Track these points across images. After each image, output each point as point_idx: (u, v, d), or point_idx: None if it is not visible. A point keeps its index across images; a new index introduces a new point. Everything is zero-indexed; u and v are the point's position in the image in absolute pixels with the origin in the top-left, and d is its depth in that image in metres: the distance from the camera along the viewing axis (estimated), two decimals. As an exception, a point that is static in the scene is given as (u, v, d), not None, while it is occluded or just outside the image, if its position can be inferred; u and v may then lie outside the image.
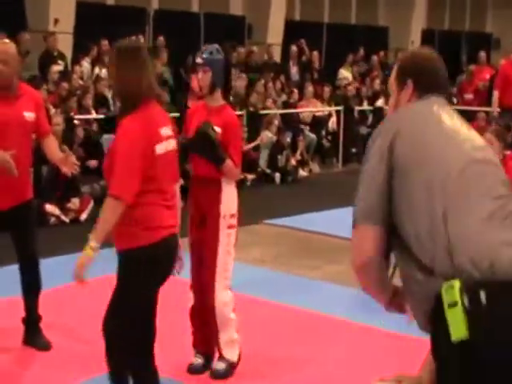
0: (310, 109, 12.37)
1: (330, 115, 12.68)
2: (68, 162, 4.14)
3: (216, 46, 3.95)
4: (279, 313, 5.07)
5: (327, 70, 14.26)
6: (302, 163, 11.53)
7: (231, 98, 11.49)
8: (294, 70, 13.62)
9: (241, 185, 9.95)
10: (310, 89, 12.45)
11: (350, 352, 4.47)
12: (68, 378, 3.93)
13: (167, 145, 3.02)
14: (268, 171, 10.65)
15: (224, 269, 3.85)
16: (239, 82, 11.90)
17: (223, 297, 3.86)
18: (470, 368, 1.82)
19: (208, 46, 3.94)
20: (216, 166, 3.77)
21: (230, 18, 15.06)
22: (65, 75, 9.98)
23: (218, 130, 3.76)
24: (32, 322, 4.30)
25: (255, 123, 10.97)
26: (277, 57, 14.17)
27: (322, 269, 6.28)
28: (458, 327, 1.79)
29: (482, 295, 1.80)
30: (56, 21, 11.17)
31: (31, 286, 4.26)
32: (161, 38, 12.05)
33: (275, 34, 14.70)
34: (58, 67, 10.00)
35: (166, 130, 3.06)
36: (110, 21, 12.23)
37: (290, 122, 11.85)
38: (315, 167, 11.92)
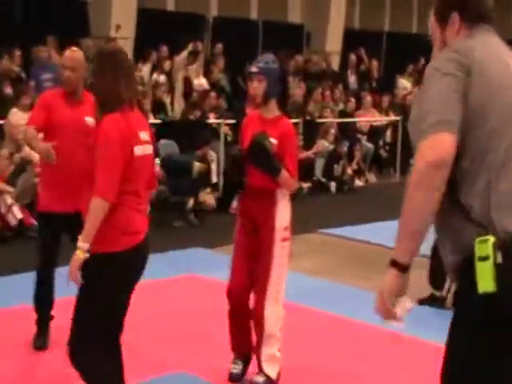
0: (368, 118, 12.22)
1: (387, 125, 12.50)
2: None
3: (272, 55, 3.90)
4: (330, 323, 4.98)
5: (386, 79, 14.08)
6: (359, 173, 11.38)
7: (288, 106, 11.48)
8: (352, 79, 13.50)
9: (296, 193, 9.95)
10: (368, 98, 12.31)
11: (400, 366, 4.34)
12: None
13: (145, 149, 3.02)
14: (323, 180, 10.55)
15: (277, 282, 3.80)
16: (297, 90, 11.85)
17: (273, 312, 3.80)
18: (492, 321, 1.84)
19: (264, 56, 3.90)
20: (272, 177, 3.71)
21: (289, 25, 15.04)
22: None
23: (273, 141, 3.71)
24: None
25: (312, 132, 10.89)
26: (335, 65, 14.08)
27: (376, 280, 6.13)
28: (486, 281, 1.81)
29: None
30: (117, 27, 11.35)
31: None
32: (219, 45, 12.11)
33: (334, 42, 14.60)
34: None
35: (144, 135, 3.05)
36: (169, 27, 12.36)
37: (347, 131, 11.72)
38: (372, 177, 11.76)
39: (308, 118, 11.09)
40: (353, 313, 5.15)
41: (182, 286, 5.69)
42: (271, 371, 3.87)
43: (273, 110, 3.83)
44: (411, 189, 1.89)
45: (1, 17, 10.52)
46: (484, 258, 1.83)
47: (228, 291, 3.89)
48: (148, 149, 3.07)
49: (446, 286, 5.44)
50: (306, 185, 10.16)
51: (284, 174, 3.71)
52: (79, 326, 3.01)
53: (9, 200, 7.05)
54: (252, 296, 3.87)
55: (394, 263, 1.96)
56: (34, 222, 7.13)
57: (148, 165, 3.09)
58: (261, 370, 3.87)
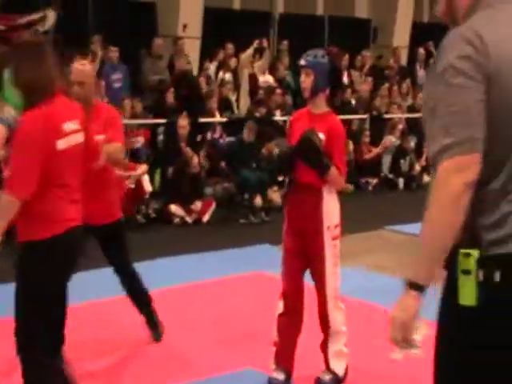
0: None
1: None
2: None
3: (322, 50, 3.84)
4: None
5: (456, 73, 13.74)
6: (428, 169, 11.15)
7: (353, 102, 11.37)
8: (420, 73, 13.23)
9: (362, 190, 9.83)
10: (437, 93, 12.02)
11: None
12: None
13: (70, 140, 3.00)
14: (391, 176, 10.39)
15: (334, 280, 3.76)
16: (363, 85, 11.72)
17: (336, 309, 3.77)
18: (470, 332, 1.85)
19: (314, 50, 3.84)
20: (320, 174, 3.67)
21: (355, 20, 14.87)
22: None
23: (322, 137, 3.67)
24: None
25: (379, 127, 10.75)
26: (403, 60, 13.84)
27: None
28: (467, 295, 1.82)
29: (497, 274, 1.81)
30: (184, 26, 11.47)
31: None
32: (284, 42, 12.08)
33: (401, 36, 14.36)
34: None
35: (71, 125, 3.03)
36: (235, 25, 12.42)
37: (416, 127, 11.49)
38: (441, 173, 11.50)
39: (375, 113, 10.94)
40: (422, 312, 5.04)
41: (250, 283, 5.71)
42: (338, 368, 3.83)
43: (321, 106, 3.77)
44: (440, 213, 1.82)
45: (75, 23, 10.82)
46: (467, 273, 1.83)
47: (283, 294, 3.82)
48: (75, 138, 3.05)
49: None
50: (373, 181, 10.04)
51: (333, 170, 3.66)
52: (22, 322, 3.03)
53: None
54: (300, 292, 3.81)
55: (416, 286, 1.87)
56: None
57: (75, 154, 3.07)
58: (328, 368, 3.84)
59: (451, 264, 1.87)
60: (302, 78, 3.73)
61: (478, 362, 1.86)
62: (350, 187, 9.75)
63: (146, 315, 4.37)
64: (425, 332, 1.89)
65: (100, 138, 3.69)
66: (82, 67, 4.01)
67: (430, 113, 1.87)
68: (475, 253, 1.83)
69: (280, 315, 3.84)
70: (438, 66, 1.87)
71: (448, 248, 1.84)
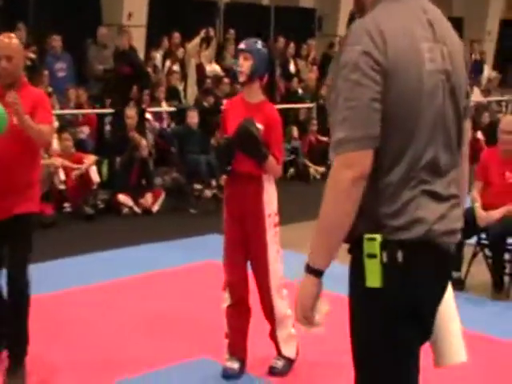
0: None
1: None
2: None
3: (260, 40, 3.85)
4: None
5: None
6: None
7: (300, 91, 11.44)
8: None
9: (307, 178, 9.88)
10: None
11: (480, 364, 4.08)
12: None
13: None
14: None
15: (276, 269, 3.78)
16: (310, 74, 11.81)
17: (279, 296, 3.79)
18: (378, 312, 1.96)
19: (253, 38, 3.85)
20: (258, 163, 3.67)
21: (300, 10, 14.96)
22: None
23: (260, 126, 3.68)
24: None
25: (326, 116, 10.84)
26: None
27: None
28: (373, 277, 1.92)
29: (400, 254, 1.92)
30: (130, 14, 11.34)
31: None
32: (231, 31, 12.06)
33: (345, 26, 14.51)
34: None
35: None
36: (181, 14, 12.33)
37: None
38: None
39: (322, 102, 11.04)
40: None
41: (201, 272, 5.71)
42: (290, 351, 3.88)
43: (257, 94, 3.76)
44: (333, 204, 1.90)
45: (14, 3, 10.56)
46: (372, 256, 1.93)
47: (228, 285, 3.80)
48: None
49: (464, 268, 5.43)
50: (321, 169, 10.14)
51: (271, 159, 3.67)
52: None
53: None
54: (244, 281, 3.81)
55: (313, 270, 1.96)
56: (51, 211, 7.18)
57: None
58: (279, 354, 3.88)
59: (357, 249, 1.96)
60: (240, 61, 3.71)
61: (386, 336, 1.97)
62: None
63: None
64: (325, 311, 2.00)
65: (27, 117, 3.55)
66: (9, 40, 3.68)
67: (333, 104, 1.94)
68: (379, 237, 1.92)
69: (228, 307, 3.84)
70: (341, 58, 1.92)
71: (342, 235, 1.93)
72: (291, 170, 10.00)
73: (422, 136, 1.95)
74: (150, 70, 10.11)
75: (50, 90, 8.56)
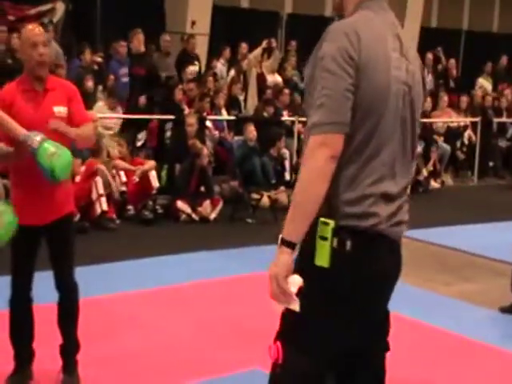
0: (445, 119, 11.90)
1: (466, 126, 12.14)
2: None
3: None
4: (404, 327, 4.83)
5: (464, 79, 13.69)
6: (435, 174, 11.10)
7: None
8: (428, 79, 13.17)
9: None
10: (444, 98, 11.98)
11: (473, 374, 4.18)
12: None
13: None
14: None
15: None
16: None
17: None
18: (320, 290, 2.11)
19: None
20: None
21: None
22: (199, 76, 10.16)
23: None
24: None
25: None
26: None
27: (455, 286, 5.95)
28: (322, 257, 2.08)
29: (349, 243, 2.08)
30: (193, 23, 11.42)
31: None
32: (293, 42, 12.03)
33: (409, 41, 14.30)
34: (193, 68, 10.18)
35: None
36: (244, 24, 12.36)
37: (423, 132, 11.43)
38: (448, 179, 11.45)
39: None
40: (427, 317, 5.00)
41: (257, 283, 5.64)
42: None
43: None
44: (309, 179, 2.07)
45: (83, 14, 10.76)
46: (324, 239, 2.08)
47: None
48: None
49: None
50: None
51: None
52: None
53: (101, 189, 7.13)
54: None
55: (288, 243, 2.08)
56: (114, 216, 7.25)
57: None
58: None
59: (311, 230, 2.10)
60: None
61: (326, 310, 2.13)
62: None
63: None
64: (298, 282, 2.08)
65: (60, 109, 3.48)
66: (38, 28, 3.58)
67: (309, 92, 2.15)
68: (332, 223, 2.09)
69: None
70: (320, 51, 2.13)
71: (315, 210, 2.08)
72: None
73: (382, 134, 2.13)
74: (210, 78, 10.13)
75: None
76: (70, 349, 3.68)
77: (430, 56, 13.18)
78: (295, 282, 2.07)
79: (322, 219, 2.09)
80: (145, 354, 4.15)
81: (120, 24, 10.84)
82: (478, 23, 16.20)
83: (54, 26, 10.24)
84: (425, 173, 10.65)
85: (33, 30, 3.54)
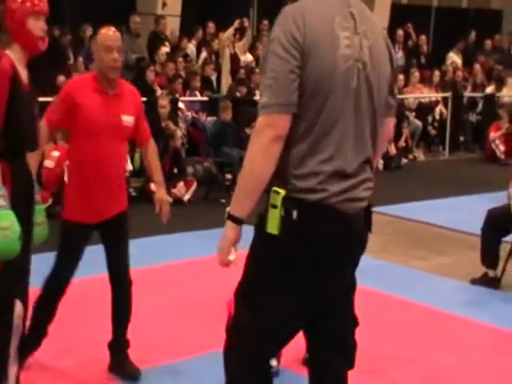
0: (417, 95, 11.98)
1: (437, 102, 12.24)
2: (164, 206, 3.79)
3: None
4: (382, 302, 4.92)
5: (435, 55, 13.78)
6: (406, 150, 11.20)
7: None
8: (399, 55, 13.23)
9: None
10: (415, 74, 12.06)
11: (454, 347, 4.27)
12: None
13: None
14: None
15: None
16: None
17: None
18: (269, 254, 2.26)
19: None
20: None
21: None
22: (172, 57, 10.10)
23: None
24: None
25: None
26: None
27: (428, 260, 6.06)
28: (272, 225, 2.21)
29: (295, 212, 2.19)
30: (164, 4, 11.33)
31: None
32: (265, 22, 12.00)
33: (381, 17, 14.31)
34: (165, 49, 10.12)
35: None
36: (216, 3, 12.28)
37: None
38: (420, 155, 11.57)
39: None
40: (402, 292, 5.09)
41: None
42: None
43: None
44: (253, 157, 2.18)
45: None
46: (274, 207, 2.21)
47: None
48: None
49: (500, 265, 5.34)
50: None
51: None
52: None
53: None
54: None
55: (234, 218, 2.24)
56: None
57: None
58: None
59: (266, 199, 2.24)
60: None
61: (275, 273, 2.26)
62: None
63: None
64: (236, 252, 2.29)
65: (128, 118, 3.51)
66: (116, 32, 3.48)
67: (263, 73, 2.23)
68: (283, 192, 2.20)
69: None
70: (271, 34, 2.23)
71: (261, 189, 2.20)
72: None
73: (331, 114, 2.20)
74: (180, 59, 10.08)
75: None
76: (122, 345, 3.72)
77: (400, 32, 13.24)
78: (234, 252, 2.30)
79: (274, 188, 2.21)
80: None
81: (89, 4, 10.73)
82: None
83: None
84: (393, 149, 10.72)
85: (108, 33, 3.47)
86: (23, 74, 3.03)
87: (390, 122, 2.49)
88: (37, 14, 2.99)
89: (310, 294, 2.29)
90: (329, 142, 2.21)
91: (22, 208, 3.03)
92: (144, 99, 8.63)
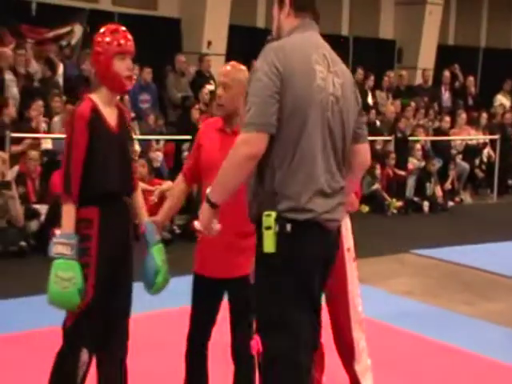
0: (463, 136, 11.81)
1: (484, 144, 12.03)
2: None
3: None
4: (425, 347, 4.75)
5: (482, 96, 13.60)
6: (453, 193, 10.99)
7: (378, 123, 11.25)
8: (445, 96, 13.12)
9: (385, 212, 9.67)
10: (462, 116, 11.91)
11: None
12: None
13: None
14: (416, 199, 10.23)
15: (356, 303, 3.63)
16: (389, 106, 11.60)
17: (359, 330, 3.63)
18: (271, 271, 2.53)
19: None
20: None
21: (380, 41, 14.82)
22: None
23: None
24: None
25: (404, 150, 10.61)
26: (429, 82, 13.74)
27: (475, 305, 5.85)
28: (269, 244, 2.48)
29: (288, 226, 2.48)
30: (209, 43, 11.47)
31: None
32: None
33: (427, 58, 14.26)
34: (209, 87, 10.21)
35: None
36: (260, 43, 12.36)
37: (442, 150, 11.35)
38: (467, 197, 11.34)
39: (399, 135, 10.82)
40: (446, 337, 4.91)
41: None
42: (370, 382, 3.70)
43: None
44: (226, 171, 2.49)
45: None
46: (268, 228, 2.48)
47: None
48: None
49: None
50: (397, 203, 9.90)
51: (352, 195, 3.50)
52: None
53: None
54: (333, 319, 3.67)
55: (212, 203, 2.56)
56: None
57: None
58: None
59: (259, 224, 2.53)
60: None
61: (279, 285, 2.53)
62: (366, 208, 9.64)
63: None
64: (216, 227, 2.63)
65: None
66: (231, 68, 3.25)
67: (245, 98, 2.52)
68: (274, 213, 2.48)
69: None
70: (255, 65, 2.53)
71: (233, 189, 2.53)
72: (367, 204, 9.78)
73: (311, 138, 2.49)
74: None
75: (132, 115, 8.69)
76: None
77: (447, 73, 13.13)
78: (215, 226, 2.63)
79: (266, 212, 2.49)
80: (165, 375, 4.10)
81: (137, 45, 10.90)
82: (495, 40, 16.13)
83: (72, 48, 10.35)
84: (440, 192, 10.50)
85: (220, 70, 3.40)
86: (111, 116, 3.03)
87: (363, 149, 2.77)
88: (122, 54, 3.02)
89: (313, 291, 2.60)
90: (311, 163, 2.49)
91: (114, 250, 2.99)
92: (189, 137, 8.76)
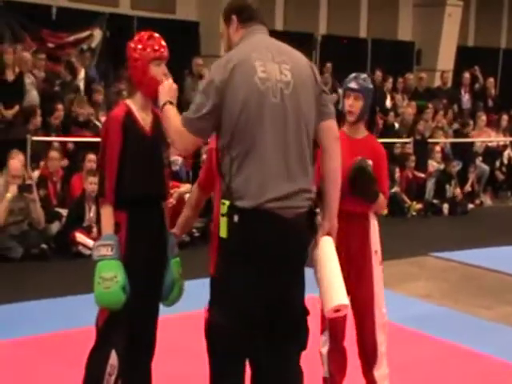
0: (483, 139, 11.73)
1: (505, 146, 11.94)
2: None
3: (366, 74, 3.76)
4: (444, 351, 4.72)
5: (503, 98, 13.50)
6: (473, 195, 10.92)
7: (397, 125, 11.22)
8: (465, 98, 13.04)
9: (404, 214, 9.62)
10: (483, 118, 11.84)
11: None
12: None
13: None
14: (435, 201, 10.18)
15: (382, 306, 3.63)
16: (408, 109, 11.56)
17: (382, 333, 3.63)
18: (225, 254, 2.76)
19: (360, 74, 3.70)
20: (369, 202, 3.54)
21: (398, 43, 14.77)
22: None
23: (370, 163, 3.54)
24: None
25: (423, 152, 10.56)
26: (447, 84, 13.68)
27: (494, 309, 5.81)
28: (223, 230, 2.71)
29: (236, 217, 2.67)
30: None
31: None
32: (328, 64, 12.02)
33: (446, 60, 14.19)
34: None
35: None
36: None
37: (462, 152, 11.29)
38: (487, 200, 11.26)
39: (418, 137, 10.78)
40: (465, 340, 4.87)
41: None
42: None
43: (362, 130, 3.67)
44: (169, 126, 2.83)
45: (120, 40, 10.93)
46: (223, 215, 2.70)
47: (329, 326, 3.65)
48: None
49: None
50: (417, 206, 9.86)
51: (381, 196, 3.56)
52: None
53: None
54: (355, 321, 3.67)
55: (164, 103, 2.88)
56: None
57: None
58: None
59: (219, 213, 2.75)
60: (351, 101, 3.58)
61: (228, 272, 2.75)
62: (385, 210, 9.59)
63: None
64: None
65: None
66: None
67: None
68: (227, 202, 2.69)
69: (330, 351, 3.66)
70: (206, 76, 2.82)
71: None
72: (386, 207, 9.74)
73: (262, 127, 2.65)
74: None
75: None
76: None
77: (466, 75, 13.06)
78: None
79: (222, 200, 2.71)
80: (185, 380, 4.11)
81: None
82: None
83: (92, 52, 10.43)
84: (460, 194, 10.45)
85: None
86: (146, 120, 3.07)
87: (327, 126, 2.82)
88: (158, 59, 3.07)
89: (262, 286, 2.71)
90: (260, 151, 2.64)
91: (142, 254, 3.00)
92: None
